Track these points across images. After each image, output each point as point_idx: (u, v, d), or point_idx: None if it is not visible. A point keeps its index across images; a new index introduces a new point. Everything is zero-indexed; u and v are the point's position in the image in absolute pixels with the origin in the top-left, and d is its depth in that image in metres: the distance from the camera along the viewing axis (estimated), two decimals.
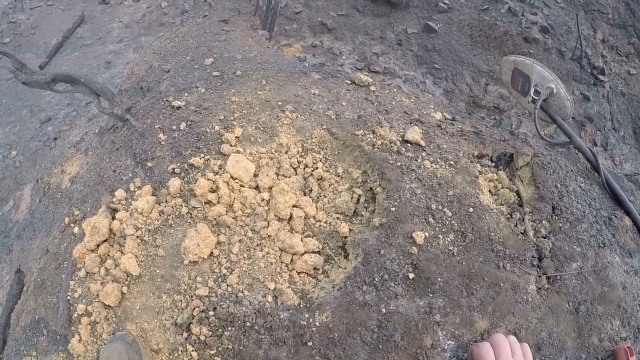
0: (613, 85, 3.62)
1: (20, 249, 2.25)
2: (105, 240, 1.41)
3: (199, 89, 1.73)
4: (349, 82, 1.80)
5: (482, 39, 3.22)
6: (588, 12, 3.69)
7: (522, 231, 1.38)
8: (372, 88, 1.78)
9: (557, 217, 1.43)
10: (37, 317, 1.53)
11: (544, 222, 1.40)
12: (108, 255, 1.39)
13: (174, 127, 1.58)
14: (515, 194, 1.48)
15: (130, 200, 1.45)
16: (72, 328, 1.34)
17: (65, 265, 1.50)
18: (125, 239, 1.38)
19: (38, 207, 2.33)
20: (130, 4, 3.70)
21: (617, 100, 3.58)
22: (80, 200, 1.66)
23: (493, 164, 1.59)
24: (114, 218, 1.43)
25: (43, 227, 2.14)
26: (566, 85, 3.29)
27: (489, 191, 1.48)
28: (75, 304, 1.35)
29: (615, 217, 1.52)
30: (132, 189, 1.48)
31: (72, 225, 1.59)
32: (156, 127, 1.62)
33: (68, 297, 1.39)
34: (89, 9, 3.74)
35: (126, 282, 1.33)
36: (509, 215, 1.42)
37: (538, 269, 1.32)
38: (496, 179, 1.51)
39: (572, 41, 3.38)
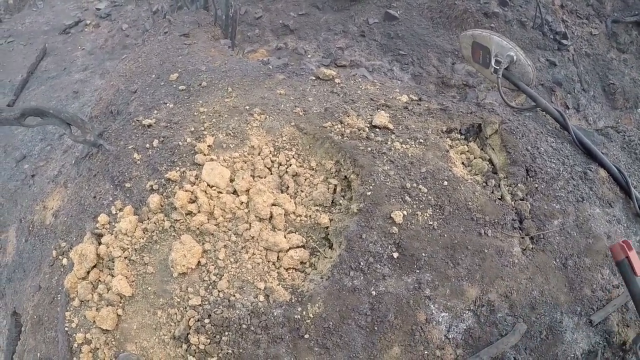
0: (577, 48, 3.68)
1: (13, 291, 2.23)
2: (94, 266, 1.41)
3: (168, 104, 1.74)
4: (314, 78, 1.82)
5: (443, 19, 3.26)
6: None
7: (500, 197, 1.41)
8: (337, 80, 1.80)
9: (532, 179, 1.46)
10: (38, 354, 1.52)
11: (519, 185, 1.43)
12: (99, 280, 1.39)
13: (147, 145, 1.58)
14: (488, 163, 1.52)
15: (113, 224, 1.46)
16: (74, 359, 1.34)
17: (59, 297, 1.50)
18: (113, 262, 1.38)
19: (25, 247, 2.31)
20: (91, 30, 3.68)
21: (583, 62, 3.65)
22: (65, 232, 1.66)
23: (463, 137, 1.62)
24: (99, 243, 1.43)
25: (33, 266, 2.12)
26: (531, 54, 3.35)
27: (462, 163, 1.51)
28: (74, 334, 1.35)
29: (590, 170, 1.56)
30: (113, 212, 1.48)
31: (60, 257, 1.59)
32: (130, 147, 1.62)
33: (66, 329, 1.39)
34: (50, 41, 3.71)
35: (120, 304, 1.33)
36: (484, 184, 1.45)
37: (520, 231, 1.35)
38: (467, 151, 1.54)
39: (531, 10, 3.44)
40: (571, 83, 3.50)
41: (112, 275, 1.36)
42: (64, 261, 1.53)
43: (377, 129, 1.51)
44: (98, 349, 1.31)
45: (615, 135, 1.88)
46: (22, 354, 1.65)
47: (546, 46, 3.60)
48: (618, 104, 3.52)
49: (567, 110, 3.32)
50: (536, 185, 1.45)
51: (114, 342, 1.30)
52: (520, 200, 1.41)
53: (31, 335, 1.61)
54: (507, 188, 1.44)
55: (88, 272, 1.40)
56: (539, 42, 3.59)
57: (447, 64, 3.03)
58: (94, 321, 1.31)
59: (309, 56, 2.72)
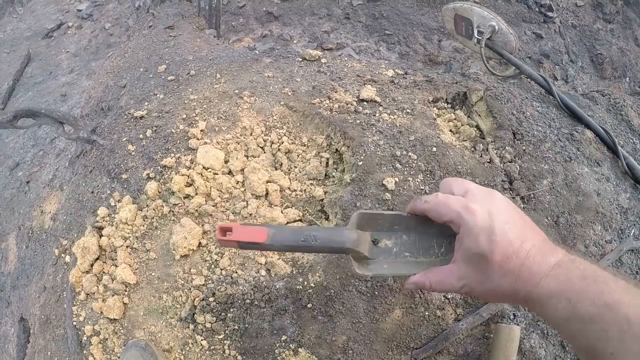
0: (563, 20, 3.68)
1: (18, 298, 2.24)
2: (97, 258, 1.43)
3: (158, 95, 1.75)
4: (300, 60, 1.84)
5: None
6: None
7: (488, 160, 1.44)
8: (323, 60, 1.82)
9: (519, 142, 1.49)
10: (49, 353, 1.54)
11: (507, 147, 1.46)
12: (103, 272, 1.41)
13: (141, 136, 1.60)
14: (475, 129, 1.54)
15: (113, 215, 1.48)
16: (85, 352, 1.37)
17: (64, 294, 1.52)
18: (116, 252, 1.40)
19: (26, 253, 2.32)
20: (74, 32, 3.66)
21: (570, 33, 3.66)
22: (66, 230, 1.67)
23: (449, 105, 1.65)
24: (101, 235, 1.45)
25: (36, 272, 2.14)
26: (516, 28, 3.36)
27: (450, 130, 1.54)
28: (82, 327, 1.37)
29: (577, 131, 1.60)
30: (112, 203, 1.50)
31: (62, 255, 1.61)
32: (123, 140, 1.64)
33: (74, 323, 1.41)
34: (34, 46, 3.68)
35: (126, 293, 1.36)
36: (472, 148, 1.48)
37: (510, 192, 1.38)
38: (454, 119, 1.57)
39: None
40: (558, 55, 3.52)
41: (116, 266, 1.39)
42: (67, 258, 1.55)
43: (365, 102, 1.54)
44: (107, 339, 1.33)
45: (600, 99, 1.91)
46: (32, 355, 1.67)
47: (532, 19, 3.60)
48: (606, 74, 3.54)
49: (555, 82, 3.33)
50: (524, 148, 1.48)
51: (122, 331, 1.32)
52: (509, 162, 1.44)
53: (40, 336, 1.63)
54: (495, 151, 1.47)
55: (92, 265, 1.42)
56: (524, 15, 3.60)
57: (433, 42, 3.05)
58: (101, 312, 1.34)
59: (295, 41, 2.73)
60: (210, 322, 1.22)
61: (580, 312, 0.59)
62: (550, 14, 3.55)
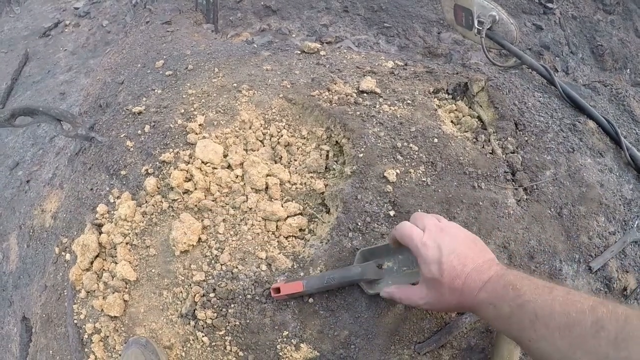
0: (563, 11, 3.65)
1: (20, 297, 2.24)
2: (97, 256, 1.42)
3: (156, 90, 1.74)
4: (299, 52, 1.82)
5: None
6: None
7: (490, 151, 1.43)
8: (322, 53, 1.80)
9: (521, 132, 1.48)
10: (51, 352, 1.54)
11: (509, 138, 1.44)
12: (103, 269, 1.41)
13: (139, 132, 1.59)
14: (477, 120, 1.53)
15: (112, 212, 1.47)
16: (86, 350, 1.36)
17: (65, 292, 1.51)
18: (115, 249, 1.39)
19: (27, 252, 2.31)
20: (71, 31, 3.64)
21: (570, 25, 3.63)
22: (66, 228, 1.67)
23: (450, 96, 1.63)
24: (100, 233, 1.44)
25: (37, 270, 2.13)
26: (517, 19, 3.34)
27: (451, 121, 1.52)
28: (83, 325, 1.37)
29: (579, 122, 1.58)
30: (111, 200, 1.49)
31: (62, 253, 1.60)
32: (122, 136, 1.63)
33: (75, 321, 1.40)
34: (31, 45, 3.67)
35: (126, 290, 1.35)
36: (474, 139, 1.46)
37: (513, 183, 1.37)
38: (456, 109, 1.55)
39: None
40: (559, 46, 3.49)
41: (116, 263, 1.37)
42: (67, 256, 1.54)
43: (365, 94, 1.52)
44: (108, 336, 1.32)
45: (602, 89, 1.89)
46: (34, 355, 1.66)
47: (532, 10, 3.58)
48: (607, 65, 3.51)
49: (556, 74, 3.30)
50: (526, 138, 1.46)
51: (123, 328, 1.31)
52: (511, 153, 1.42)
53: (42, 335, 1.62)
54: (497, 142, 1.45)
55: (92, 263, 1.41)
56: (524, 7, 3.57)
57: (433, 34, 3.03)
58: (102, 309, 1.33)
59: (294, 35, 2.71)
60: (211, 318, 1.21)
61: (501, 313, 0.79)
62: (550, 5, 3.52)
